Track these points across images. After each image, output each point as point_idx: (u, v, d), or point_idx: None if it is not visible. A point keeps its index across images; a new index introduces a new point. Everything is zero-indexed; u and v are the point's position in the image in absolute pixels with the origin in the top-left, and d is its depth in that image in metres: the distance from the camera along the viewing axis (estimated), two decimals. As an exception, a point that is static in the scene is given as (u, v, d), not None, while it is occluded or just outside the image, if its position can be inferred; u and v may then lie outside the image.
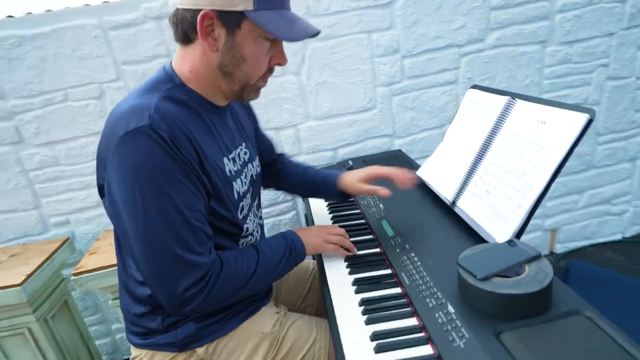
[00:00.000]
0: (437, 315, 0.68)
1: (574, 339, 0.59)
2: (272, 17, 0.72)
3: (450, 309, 0.68)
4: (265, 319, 0.86)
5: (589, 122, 0.73)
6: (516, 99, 0.93)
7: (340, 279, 0.85)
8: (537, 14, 1.56)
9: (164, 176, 0.67)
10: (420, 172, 1.22)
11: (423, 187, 1.19)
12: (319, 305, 1.10)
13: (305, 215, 1.43)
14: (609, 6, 1.59)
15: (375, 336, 0.68)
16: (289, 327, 0.87)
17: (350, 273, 0.87)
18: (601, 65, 1.67)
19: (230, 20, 0.71)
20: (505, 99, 0.96)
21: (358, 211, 1.15)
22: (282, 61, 0.80)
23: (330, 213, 1.21)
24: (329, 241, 0.92)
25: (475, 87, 1.15)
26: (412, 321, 0.70)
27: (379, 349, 0.65)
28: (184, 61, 0.77)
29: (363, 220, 1.09)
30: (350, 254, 0.92)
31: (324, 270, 0.90)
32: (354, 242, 0.97)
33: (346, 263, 0.90)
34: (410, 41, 1.51)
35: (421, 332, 0.68)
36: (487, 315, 0.64)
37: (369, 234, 1.02)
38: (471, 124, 1.07)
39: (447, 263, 0.81)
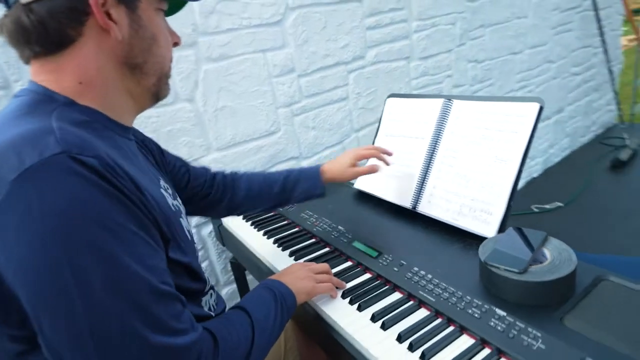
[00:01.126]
0: (491, 324, 0.63)
1: (617, 301, 0.63)
2: None
3: (500, 312, 0.64)
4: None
5: (541, 110, 0.82)
6: (452, 99, 1.00)
7: (356, 321, 0.72)
8: (400, 34, 1.75)
9: (103, 228, 0.43)
10: (359, 185, 1.18)
11: (360, 198, 1.17)
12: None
13: (219, 231, 1.22)
14: (445, 27, 1.91)
15: (445, 370, 0.59)
16: None
17: (361, 309, 0.75)
18: (447, 76, 1.99)
19: None
20: (440, 100, 1.02)
21: (297, 229, 1.03)
22: (177, 39, 0.65)
23: (268, 238, 1.05)
24: (320, 281, 0.78)
25: (392, 95, 1.20)
26: (467, 339, 0.64)
27: (460, 384, 0.56)
28: (61, 74, 0.53)
29: (323, 245, 0.97)
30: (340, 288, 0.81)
31: (321, 319, 0.76)
32: (336, 274, 0.85)
33: (347, 300, 0.78)
34: (304, 60, 1.49)
35: (484, 347, 0.62)
36: (537, 307, 0.63)
37: (345, 260, 0.91)
38: (406, 130, 1.09)
39: (457, 266, 0.79)
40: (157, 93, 0.62)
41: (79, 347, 0.42)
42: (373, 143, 1.20)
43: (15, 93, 0.55)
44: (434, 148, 1.00)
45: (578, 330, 0.58)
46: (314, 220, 1.09)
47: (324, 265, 0.83)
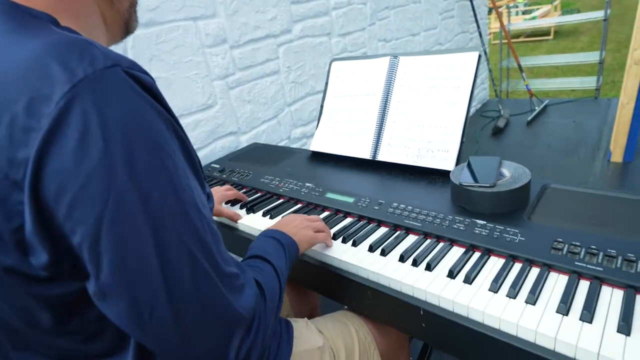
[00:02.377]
0: (476, 231, 0.73)
1: (562, 199, 0.77)
2: None
3: (480, 221, 0.74)
4: (305, 334, 0.66)
5: (479, 57, 0.95)
6: (398, 57, 1.09)
7: (356, 255, 0.76)
8: (321, 10, 1.81)
9: (164, 152, 0.39)
10: (315, 147, 1.21)
11: (317, 158, 1.20)
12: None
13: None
14: (358, 7, 2.04)
15: (450, 273, 0.66)
16: (327, 330, 0.70)
17: (356, 245, 0.78)
18: (363, 53, 2.13)
19: None
20: (387, 58, 1.10)
21: (260, 193, 1.03)
22: None
23: (232, 205, 1.03)
24: (317, 230, 0.76)
25: (336, 59, 1.25)
26: (459, 249, 0.72)
27: (466, 280, 0.64)
28: None
29: (295, 202, 0.99)
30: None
31: (325, 264, 0.78)
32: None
33: (339, 240, 0.81)
34: (235, 30, 1.45)
35: (475, 251, 0.71)
36: (507, 213, 0.75)
37: (322, 211, 0.94)
38: (355, 89, 1.16)
39: (430, 196, 0.88)
40: (127, 22, 0.56)
41: (148, 284, 0.37)
42: (321, 106, 1.24)
43: None
44: (386, 102, 1.08)
45: (543, 223, 0.71)
46: (277, 182, 1.09)
47: (317, 217, 0.82)
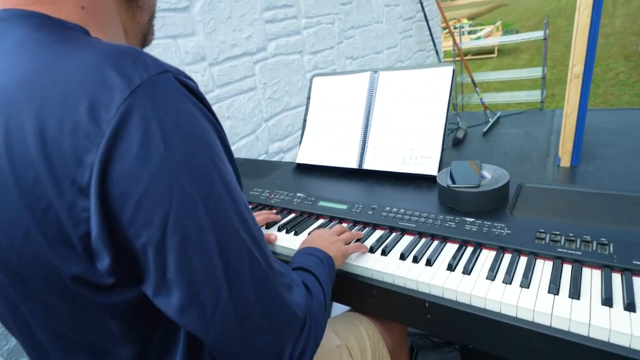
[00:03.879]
0: (466, 228, 0.79)
1: (537, 196, 0.86)
2: None
3: (469, 219, 0.81)
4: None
5: (454, 71, 1.05)
6: (377, 72, 1.16)
7: (357, 257, 0.80)
8: (293, 29, 1.88)
9: (216, 155, 0.41)
10: (302, 159, 1.25)
11: (304, 170, 1.24)
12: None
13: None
14: (327, 26, 2.13)
15: (449, 266, 0.71)
16: (339, 330, 0.73)
17: (370, 251, 0.82)
18: (333, 70, 2.21)
19: None
20: (367, 73, 1.17)
21: (251, 206, 1.05)
22: None
23: None
24: (346, 241, 0.77)
25: (317, 75, 1.31)
26: (452, 245, 0.78)
27: (464, 272, 0.70)
28: (61, 2, 0.44)
29: (288, 212, 1.02)
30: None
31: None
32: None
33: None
34: (214, 48, 1.48)
35: (467, 246, 0.77)
36: (492, 210, 0.83)
37: (316, 219, 0.98)
38: (338, 103, 1.22)
39: (419, 200, 0.94)
40: (146, 35, 0.58)
41: (212, 281, 0.39)
42: (304, 120, 1.28)
43: None
44: (369, 114, 1.14)
45: (525, 217, 0.79)
46: (268, 194, 1.11)
47: (341, 226, 0.83)
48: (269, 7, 1.72)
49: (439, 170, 1.00)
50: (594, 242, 0.68)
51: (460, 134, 3.57)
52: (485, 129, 3.54)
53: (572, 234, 0.71)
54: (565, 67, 5.99)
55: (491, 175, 0.88)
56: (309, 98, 1.29)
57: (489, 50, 8.45)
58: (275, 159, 1.85)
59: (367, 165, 1.11)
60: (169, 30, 1.31)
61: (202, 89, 1.43)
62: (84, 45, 0.39)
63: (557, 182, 2.46)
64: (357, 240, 0.83)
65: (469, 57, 8.06)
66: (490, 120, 3.68)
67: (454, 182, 0.85)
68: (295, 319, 0.45)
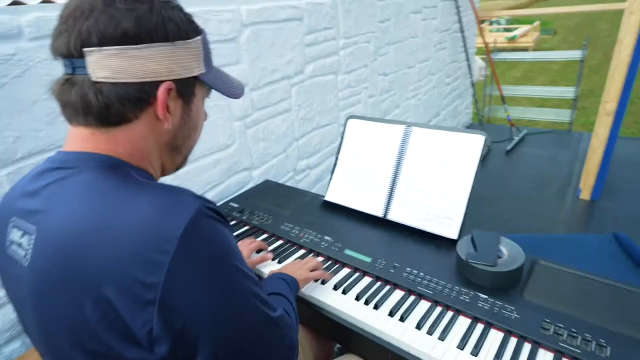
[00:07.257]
0: (479, 305, 0.88)
1: (549, 277, 0.94)
2: (215, 76, 0.66)
3: (483, 296, 0.89)
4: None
5: (485, 141, 1.10)
6: (411, 126, 1.22)
7: (378, 319, 0.89)
8: (331, 51, 1.93)
9: (240, 260, 0.56)
10: (330, 197, 1.34)
11: (331, 209, 1.32)
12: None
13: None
14: (363, 45, 2.16)
15: (460, 343, 0.80)
16: None
17: (377, 308, 0.92)
18: (365, 88, 2.26)
19: (188, 89, 0.60)
20: (402, 127, 1.24)
21: (282, 241, 1.15)
22: (206, 118, 0.72)
23: (258, 252, 1.14)
24: (311, 269, 0.99)
25: (352, 117, 1.37)
26: (465, 320, 0.87)
27: (473, 353, 0.79)
28: (114, 145, 0.57)
29: (317, 255, 1.11)
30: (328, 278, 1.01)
31: (350, 324, 0.91)
32: (340, 279, 1.01)
33: (362, 301, 0.94)
34: (256, 75, 1.55)
35: (479, 323, 0.86)
36: (504, 288, 0.90)
37: (342, 267, 1.07)
38: (370, 149, 1.29)
39: (438, 264, 1.02)
40: (180, 167, 0.69)
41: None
42: (336, 160, 1.36)
43: (55, 163, 0.57)
44: (399, 166, 1.22)
45: (534, 301, 0.87)
46: (298, 232, 1.21)
47: (311, 259, 1.05)
48: (311, 31, 1.77)
49: (460, 234, 1.08)
50: (594, 343, 0.76)
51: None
52: (509, 147, 3.56)
53: (574, 330, 0.79)
54: (601, 77, 5.83)
55: (508, 253, 0.95)
56: (342, 138, 1.36)
57: (524, 48, 8.28)
58: (302, 175, 1.93)
59: (391, 216, 1.19)
60: (217, 61, 1.37)
61: (242, 113, 1.51)
62: (137, 192, 0.52)
63: (573, 215, 2.50)
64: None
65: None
66: (516, 138, 3.68)
67: (472, 258, 0.93)
68: (294, 348, 0.64)
